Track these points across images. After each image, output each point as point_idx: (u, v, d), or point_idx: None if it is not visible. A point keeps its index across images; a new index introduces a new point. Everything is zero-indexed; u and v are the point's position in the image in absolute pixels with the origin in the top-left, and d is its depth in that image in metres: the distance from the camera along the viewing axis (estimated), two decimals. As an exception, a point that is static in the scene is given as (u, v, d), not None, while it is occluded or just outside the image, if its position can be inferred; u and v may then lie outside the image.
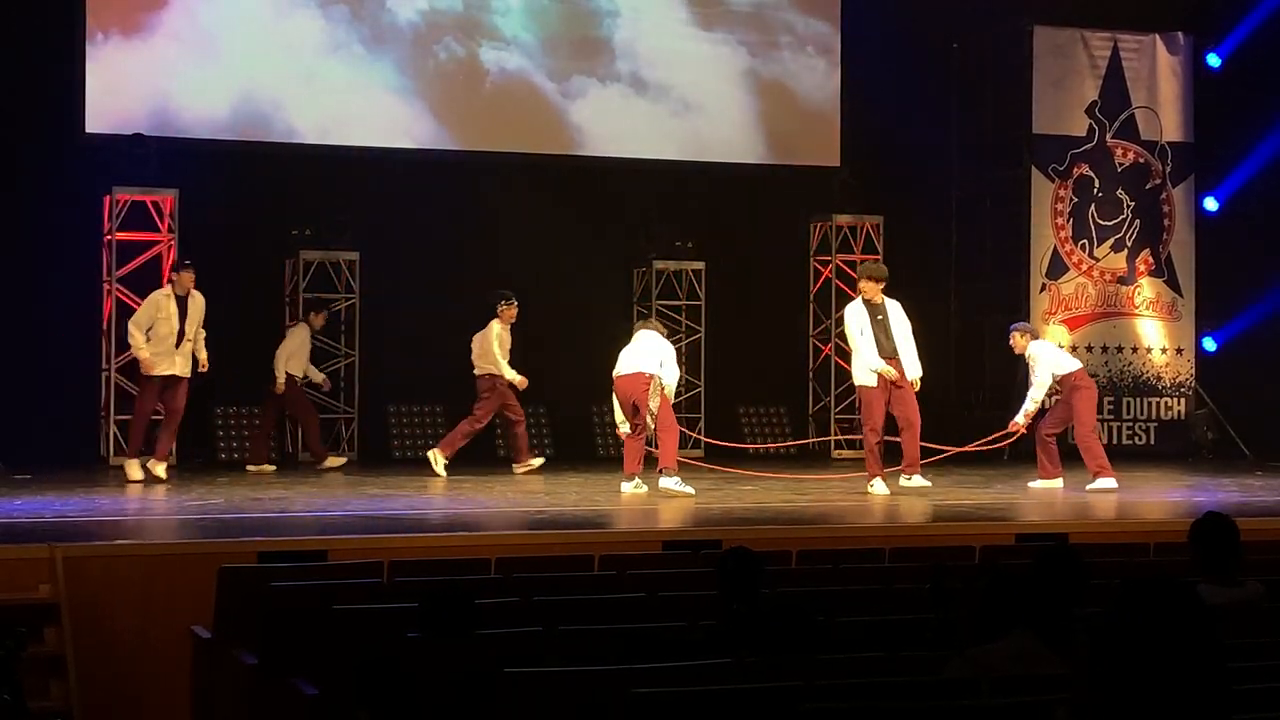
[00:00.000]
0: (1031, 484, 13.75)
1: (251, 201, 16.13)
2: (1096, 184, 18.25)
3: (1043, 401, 14.04)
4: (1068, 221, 18.17)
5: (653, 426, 13.03)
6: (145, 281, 15.25)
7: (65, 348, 15.55)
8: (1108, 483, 13.37)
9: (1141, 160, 18.42)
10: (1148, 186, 18.44)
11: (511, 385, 14.75)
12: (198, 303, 13.98)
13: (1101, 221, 18.28)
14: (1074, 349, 17.06)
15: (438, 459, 14.58)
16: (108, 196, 15.44)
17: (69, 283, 15.48)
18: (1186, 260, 18.48)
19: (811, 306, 18.14)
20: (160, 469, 13.74)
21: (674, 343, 14.68)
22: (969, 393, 18.16)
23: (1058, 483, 13.63)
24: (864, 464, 13.25)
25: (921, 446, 13.24)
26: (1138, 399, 18.27)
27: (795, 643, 5.21)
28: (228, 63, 16.14)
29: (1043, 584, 5.22)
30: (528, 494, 13.09)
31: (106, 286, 15.45)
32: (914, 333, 13.20)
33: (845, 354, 14.46)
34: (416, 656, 5.66)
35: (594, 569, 8.35)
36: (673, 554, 9.00)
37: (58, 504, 11.59)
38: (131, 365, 15.17)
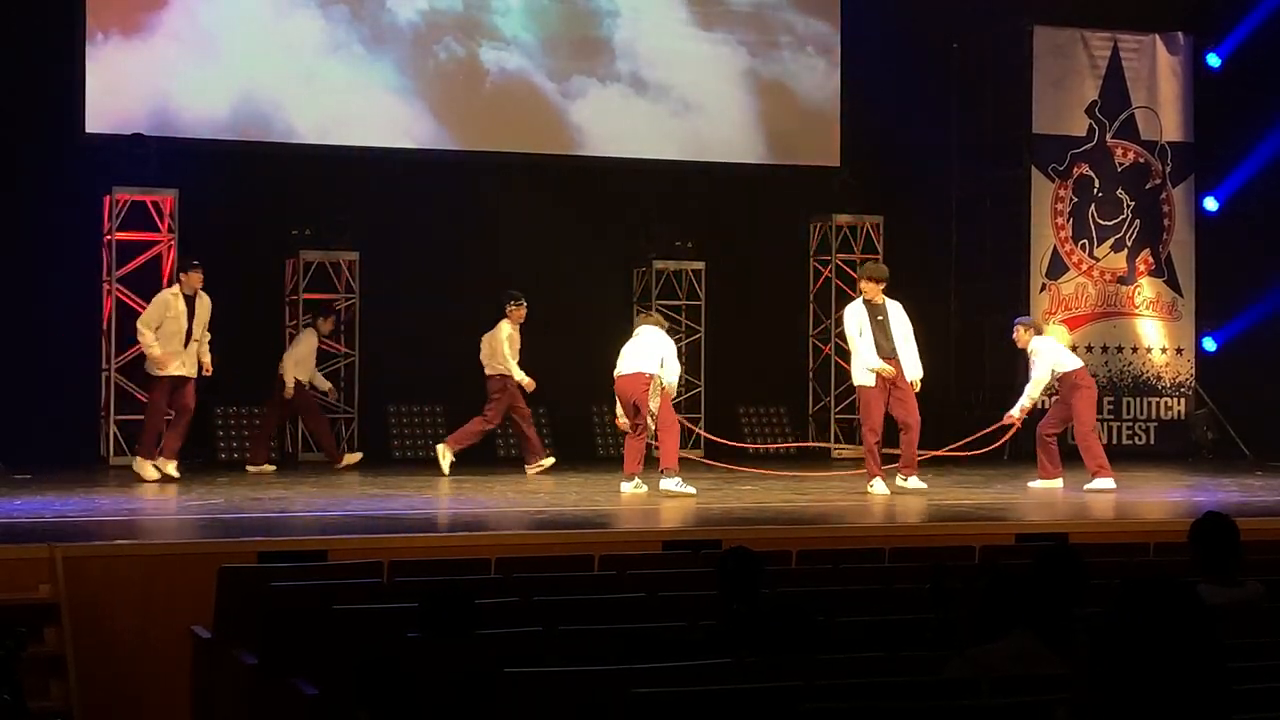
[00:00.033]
0: (1031, 484, 13.75)
1: (251, 201, 16.13)
2: (1096, 184, 18.25)
3: (1040, 400, 14.03)
4: (1068, 221, 18.18)
5: (653, 427, 13.04)
6: (145, 281, 15.27)
7: (65, 348, 15.55)
8: (1106, 483, 13.38)
9: (1141, 160, 18.43)
10: (1148, 186, 18.44)
11: (520, 386, 14.78)
12: (205, 304, 14.00)
13: (1101, 221, 18.28)
14: (1074, 349, 17.04)
15: (446, 454, 14.61)
16: (108, 196, 15.44)
17: (69, 283, 15.48)
18: (1186, 260, 18.48)
19: (811, 306, 18.14)
20: (171, 467, 13.78)
21: (674, 343, 14.67)
22: (969, 393, 18.15)
23: (1058, 483, 13.63)
24: (864, 464, 13.25)
25: (922, 447, 13.25)
26: (1138, 399, 18.27)
27: (795, 643, 5.21)
28: (228, 63, 16.14)
29: (1043, 584, 5.22)
30: (528, 494, 13.09)
31: (106, 286, 15.46)
32: (914, 333, 13.21)
33: (845, 354, 14.46)
34: (416, 656, 5.66)
35: (594, 569, 8.35)
36: (673, 554, 9.00)
37: (58, 504, 11.58)
38: (132, 365, 15.19)
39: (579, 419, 17.15)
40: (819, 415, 18.05)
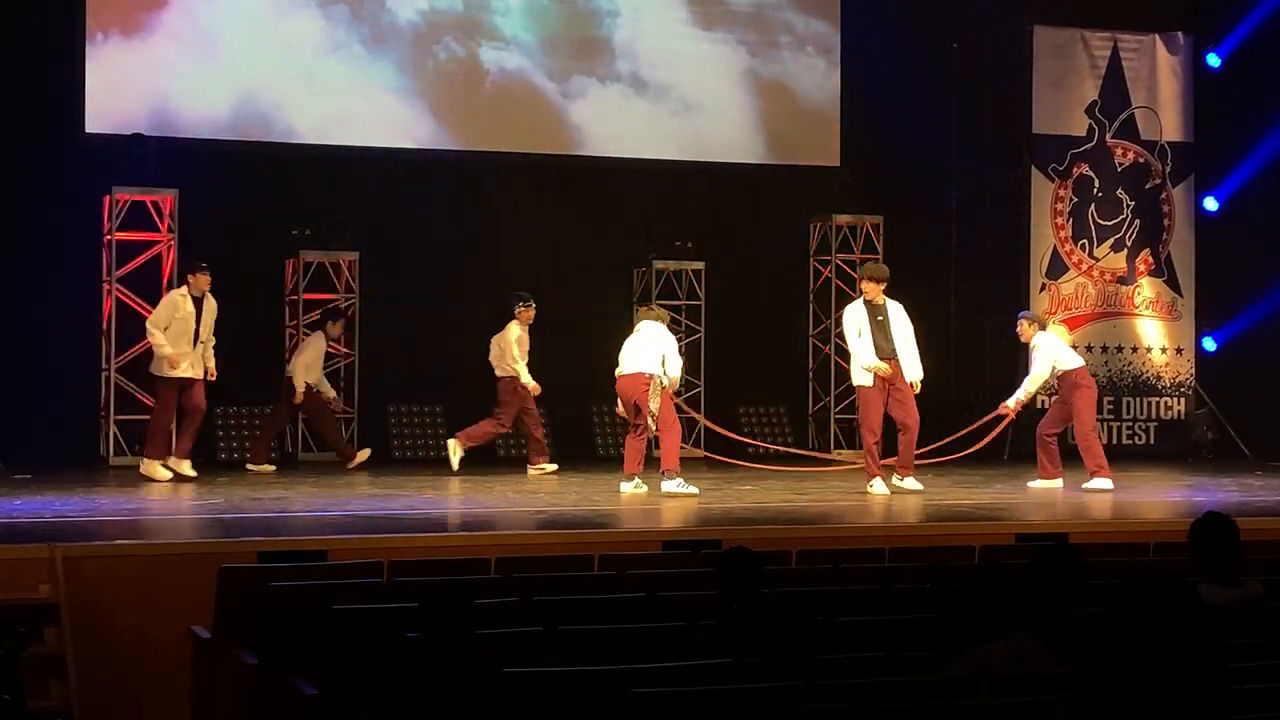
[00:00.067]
0: (1031, 484, 13.75)
1: (251, 201, 16.13)
2: (1096, 184, 18.25)
3: (1037, 396, 14.00)
4: (1068, 221, 18.18)
5: (654, 427, 13.04)
6: (145, 281, 15.28)
7: (65, 348, 15.55)
8: (1103, 483, 13.38)
9: (1141, 160, 18.42)
10: (1148, 186, 18.44)
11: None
12: (211, 306, 14.04)
13: (1101, 221, 18.28)
14: (1074, 348, 17.03)
15: (456, 449, 14.64)
16: (108, 196, 15.44)
17: (69, 283, 15.48)
18: (1186, 260, 18.48)
19: (811, 306, 18.14)
20: (186, 467, 13.83)
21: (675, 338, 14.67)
22: (969, 393, 18.13)
23: (1057, 483, 13.63)
24: (864, 464, 13.25)
25: (921, 446, 13.25)
26: (1138, 399, 18.27)
27: (795, 643, 5.21)
28: (228, 63, 16.13)
29: (1043, 584, 5.22)
30: (528, 494, 13.09)
31: (106, 286, 15.45)
32: (915, 333, 13.20)
33: (846, 354, 14.45)
34: (416, 656, 5.66)
35: (594, 569, 8.35)
36: (673, 554, 9.00)
37: (58, 504, 11.58)
38: (132, 365, 15.20)
39: (579, 419, 17.15)
40: (819, 415, 18.05)
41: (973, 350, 18.29)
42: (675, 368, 13.16)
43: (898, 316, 13.13)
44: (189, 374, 13.86)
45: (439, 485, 13.75)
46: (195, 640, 8.21)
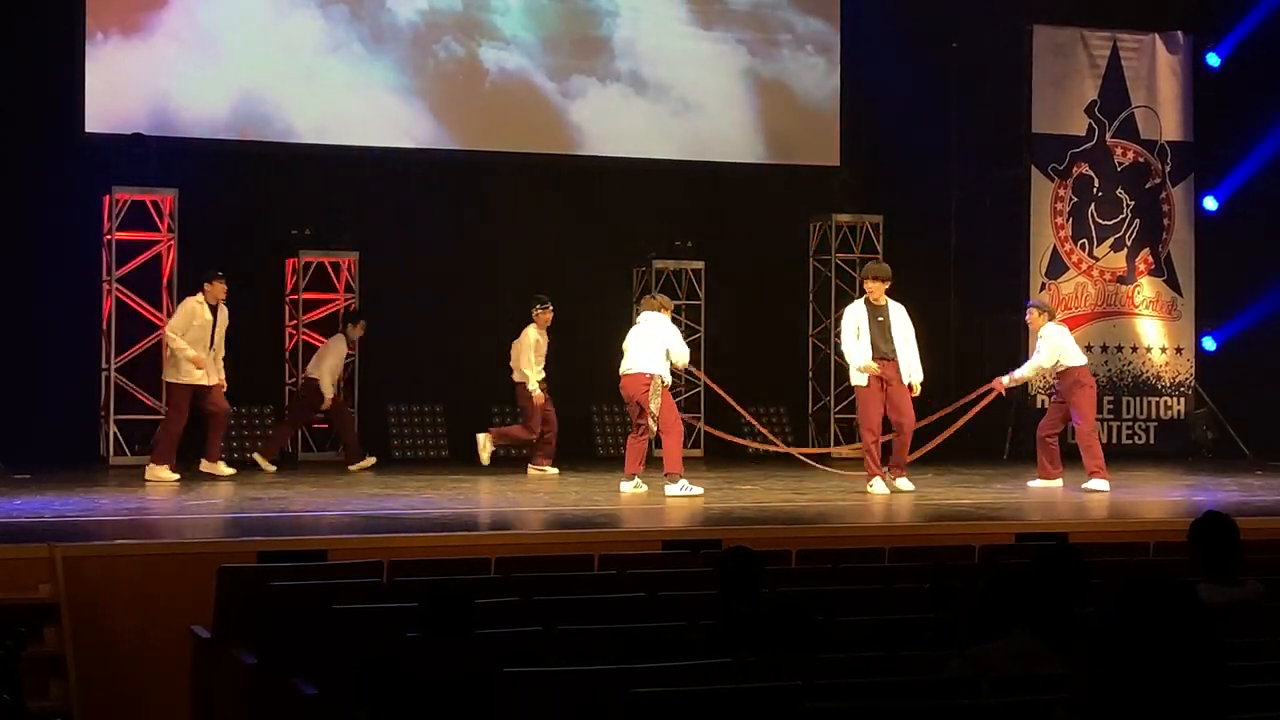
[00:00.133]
0: (1031, 484, 13.75)
1: (251, 201, 16.13)
2: (1096, 183, 18.25)
3: (1031, 383, 13.94)
4: (1067, 221, 18.17)
5: (655, 428, 13.02)
6: (145, 281, 15.28)
7: (65, 348, 15.55)
8: (1100, 484, 13.38)
9: (1141, 160, 18.42)
10: (1147, 186, 18.44)
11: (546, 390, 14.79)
12: (224, 315, 14.11)
13: (1101, 221, 18.28)
14: (1075, 348, 17.05)
15: (487, 444, 14.71)
16: (107, 196, 15.44)
17: (69, 283, 15.48)
18: (1186, 260, 18.48)
19: (811, 306, 18.14)
20: (221, 467, 14.04)
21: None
22: (969, 392, 18.11)
23: (1057, 483, 13.63)
24: (864, 464, 13.25)
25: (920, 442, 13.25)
26: (1137, 398, 18.27)
27: (795, 643, 5.22)
28: (228, 63, 16.13)
29: (1043, 584, 5.22)
30: (527, 494, 13.10)
31: (106, 286, 15.45)
32: (915, 333, 13.20)
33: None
34: (416, 656, 5.66)
35: (594, 569, 8.35)
36: (673, 554, 9.00)
37: (58, 504, 11.58)
38: (132, 365, 15.22)
39: (579, 419, 17.13)
40: (819, 415, 18.05)
41: (973, 350, 18.28)
42: (681, 356, 13.11)
43: (899, 318, 13.13)
44: (205, 380, 13.89)
45: (439, 485, 13.75)
46: (195, 640, 8.20)
